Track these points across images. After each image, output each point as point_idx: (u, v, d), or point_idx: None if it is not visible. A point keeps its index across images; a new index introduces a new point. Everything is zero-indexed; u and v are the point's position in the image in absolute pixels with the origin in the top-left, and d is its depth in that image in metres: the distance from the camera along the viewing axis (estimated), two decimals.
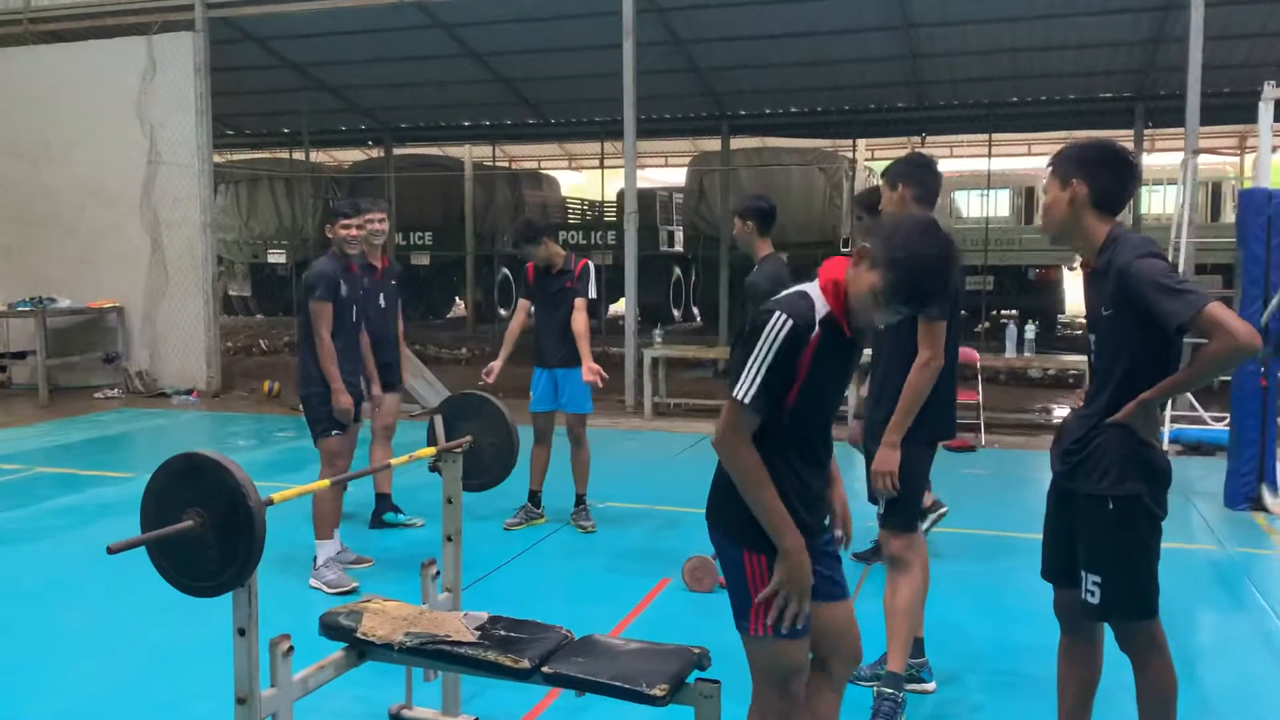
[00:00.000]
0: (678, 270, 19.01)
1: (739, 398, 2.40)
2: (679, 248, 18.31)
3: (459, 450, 3.52)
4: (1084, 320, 3.07)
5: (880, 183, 3.79)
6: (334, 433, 5.19)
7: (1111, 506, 2.73)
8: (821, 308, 2.44)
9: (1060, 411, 10.85)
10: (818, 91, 14.23)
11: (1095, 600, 2.77)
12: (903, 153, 23.61)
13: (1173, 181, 17.57)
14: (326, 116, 16.83)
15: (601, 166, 18.29)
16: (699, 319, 19.72)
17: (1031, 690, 3.93)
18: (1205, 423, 8.67)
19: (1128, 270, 2.63)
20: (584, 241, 17.81)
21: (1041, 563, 3.05)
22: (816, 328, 2.41)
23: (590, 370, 5.94)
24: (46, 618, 4.76)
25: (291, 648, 2.76)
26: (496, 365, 6.05)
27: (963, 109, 14.55)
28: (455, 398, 3.72)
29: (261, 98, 15.86)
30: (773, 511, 2.43)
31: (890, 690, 3.54)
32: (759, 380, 2.39)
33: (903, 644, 3.60)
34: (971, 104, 14.25)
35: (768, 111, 15.40)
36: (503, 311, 19.52)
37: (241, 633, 2.63)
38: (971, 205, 18.96)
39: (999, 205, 16.81)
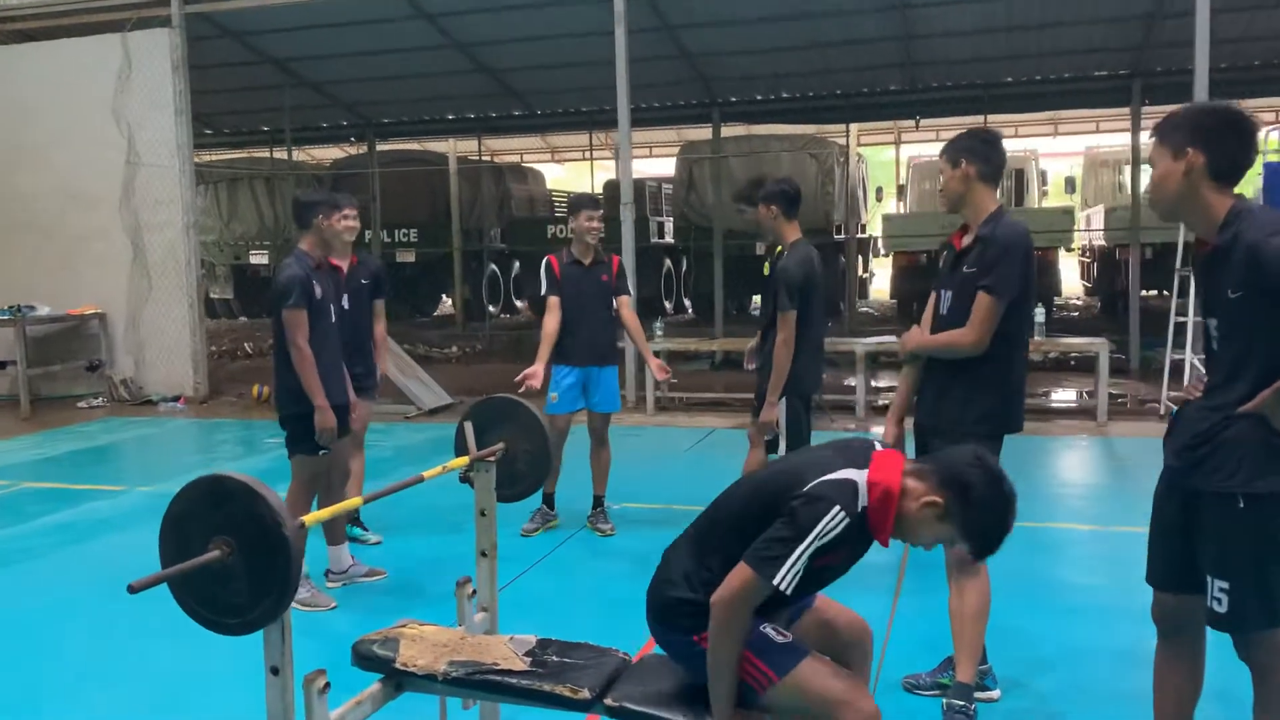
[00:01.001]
0: (668, 262, 18.76)
1: (774, 581, 2.36)
2: (669, 239, 18.06)
3: (492, 459, 3.26)
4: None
5: (940, 159, 3.55)
6: (321, 452, 4.82)
7: (1243, 505, 2.47)
8: (863, 500, 2.42)
9: (1064, 395, 10.71)
10: (810, 76, 13.99)
11: (1222, 608, 2.53)
12: (889, 137, 23.59)
13: None
14: (308, 113, 16.47)
15: (591, 158, 18.02)
16: (690, 310, 19.48)
17: (1107, 699, 3.72)
18: None
19: (1264, 248, 2.37)
20: (571, 234, 17.51)
21: (1148, 567, 2.80)
22: (859, 516, 2.41)
23: (661, 368, 5.90)
24: (44, 645, 4.49)
25: (328, 684, 2.50)
26: (539, 369, 5.62)
27: (956, 90, 14.34)
28: (484, 402, 3.46)
29: (240, 95, 15.49)
30: (728, 686, 2.43)
31: (961, 702, 3.32)
32: (798, 568, 2.37)
33: (973, 652, 3.38)
34: (965, 85, 14.04)
35: (759, 98, 15.15)
36: (492, 309, 19.24)
37: (275, 671, 2.37)
38: None
39: None
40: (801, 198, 5.08)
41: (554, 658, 2.74)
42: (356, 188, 16.73)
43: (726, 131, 16.29)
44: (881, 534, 2.46)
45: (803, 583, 2.41)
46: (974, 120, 15.52)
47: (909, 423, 3.75)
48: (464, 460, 3.17)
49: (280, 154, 17.57)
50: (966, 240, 3.48)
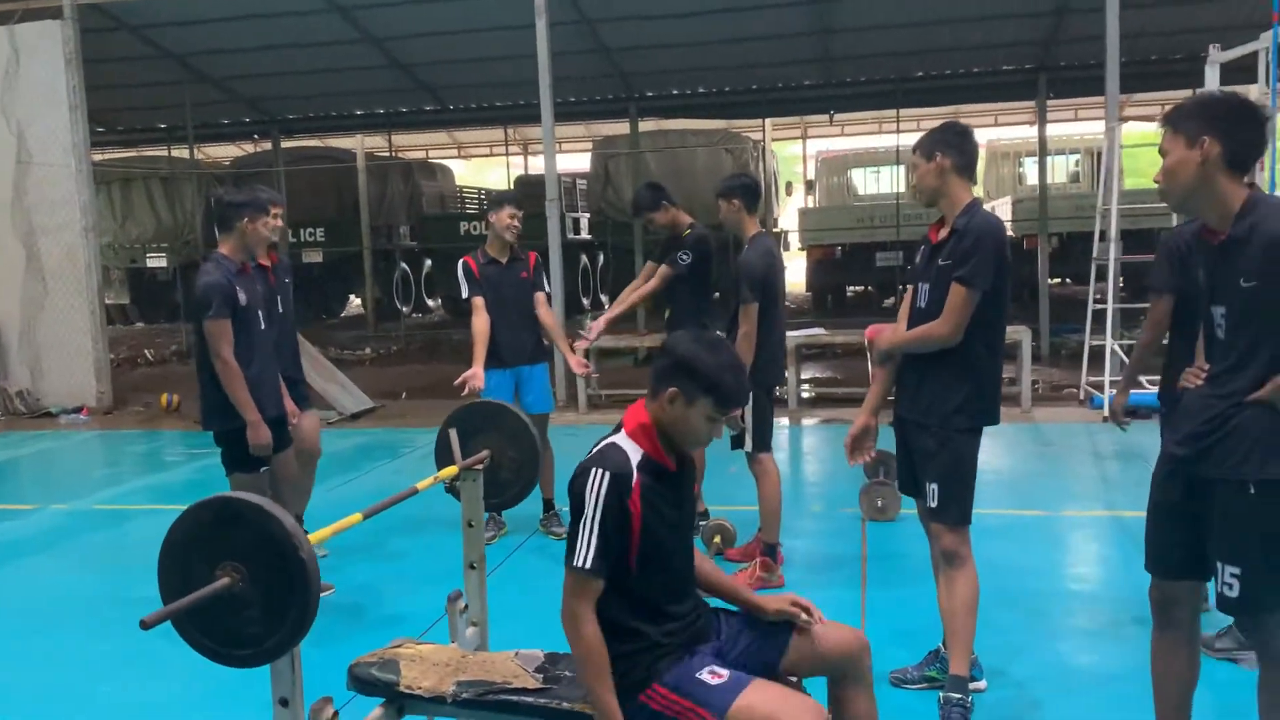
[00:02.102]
0: (584, 258, 18.62)
1: (577, 565, 2.38)
2: (585, 234, 17.93)
3: (479, 468, 3.13)
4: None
5: (914, 154, 3.53)
6: (262, 469, 4.56)
7: (1254, 492, 2.49)
8: (635, 453, 2.48)
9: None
10: (727, 70, 14.02)
11: (1234, 594, 2.55)
12: (795, 132, 23.87)
13: (1074, 151, 18.14)
14: (208, 109, 15.84)
15: (507, 154, 17.79)
16: (608, 307, 19.37)
17: (1084, 680, 3.78)
18: (1144, 387, 8.79)
19: None
20: (485, 231, 17.27)
21: (1147, 554, 2.81)
22: (635, 474, 2.44)
23: (579, 363, 5.73)
24: None
25: (336, 713, 2.35)
26: (479, 370, 5.49)
27: (869, 85, 14.55)
28: (466, 408, 3.32)
29: (137, 91, 14.82)
30: (606, 706, 2.37)
31: (958, 695, 3.31)
32: (594, 543, 2.38)
33: (965, 644, 3.37)
34: (879, 80, 14.25)
35: (675, 92, 15.14)
36: (404, 309, 18.83)
37: (285, 703, 2.22)
38: (868, 183, 19.22)
39: (900, 181, 17.05)
40: (760, 191, 5.11)
41: (565, 672, 2.63)
42: (262, 185, 16.16)
43: (642, 126, 16.25)
44: (664, 459, 2.51)
45: (655, 555, 2.46)
46: (887, 114, 15.81)
47: (886, 416, 3.74)
48: (453, 470, 3.03)
49: (178, 152, 16.87)
50: (943, 233, 3.47)
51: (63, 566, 5.76)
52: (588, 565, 2.38)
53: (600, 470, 2.42)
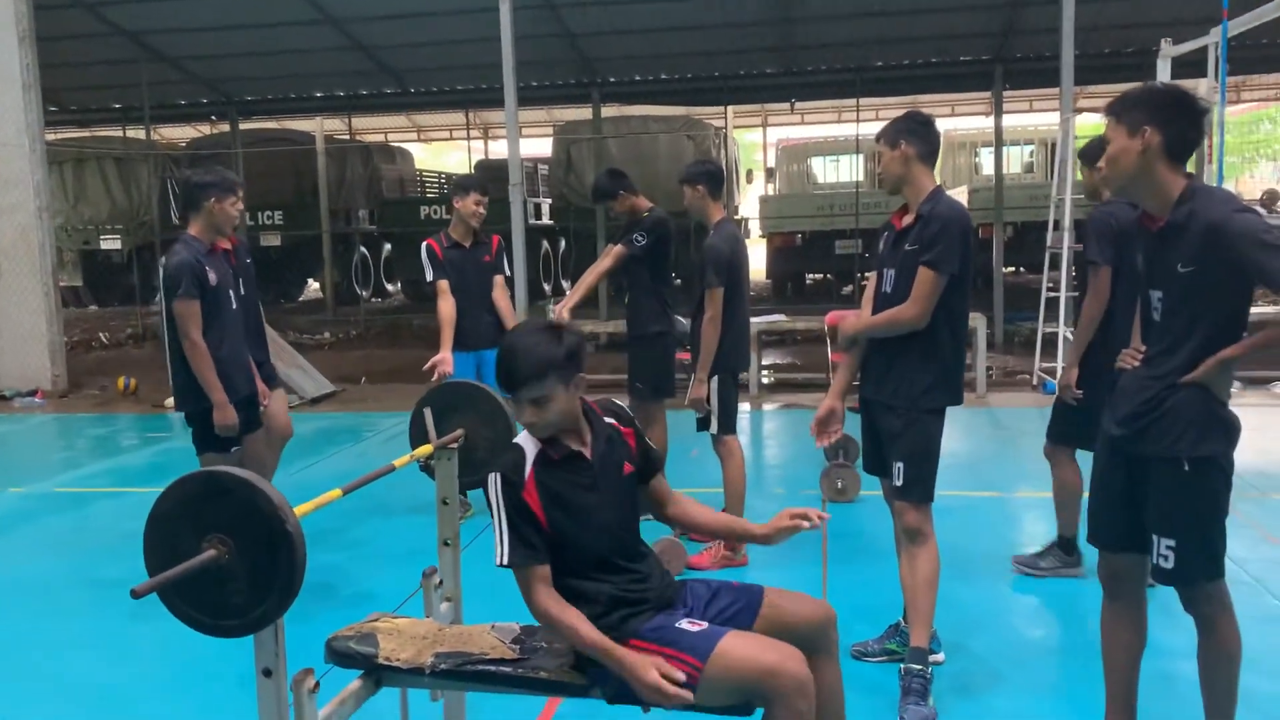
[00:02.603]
0: (545, 243, 18.62)
1: (500, 563, 2.53)
2: (546, 220, 17.92)
3: (454, 447, 3.18)
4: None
5: (878, 143, 3.63)
6: (232, 449, 4.59)
7: (1188, 468, 2.64)
8: (532, 448, 2.60)
9: None
10: (690, 57, 14.08)
11: (1170, 564, 2.69)
12: (755, 120, 23.97)
13: (1029, 142, 18.41)
14: (164, 89, 15.59)
15: (469, 137, 17.71)
16: (568, 293, 19.38)
17: (1039, 654, 3.92)
18: None
19: (1225, 226, 2.50)
20: (447, 216, 17.20)
21: (1089, 527, 2.96)
22: (529, 467, 2.56)
23: None
24: None
25: (317, 684, 2.40)
26: (447, 354, 5.56)
27: (829, 74, 14.67)
28: (441, 387, 3.38)
29: (91, 70, 14.57)
30: (597, 645, 2.46)
31: (918, 666, 3.42)
32: (506, 539, 2.53)
33: (925, 618, 3.49)
34: (839, 69, 14.38)
35: (637, 78, 15.17)
36: (363, 293, 18.72)
37: (268, 673, 2.26)
38: (827, 172, 19.39)
39: (859, 170, 17.24)
40: (724, 177, 5.20)
41: (541, 644, 2.70)
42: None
43: (604, 112, 16.26)
44: (554, 448, 2.60)
45: (572, 536, 2.55)
46: (847, 103, 15.94)
47: (852, 400, 3.84)
48: (429, 449, 3.08)
49: (134, 133, 16.60)
50: (907, 220, 3.57)
51: (23, 548, 5.72)
52: (508, 559, 2.52)
53: (493, 474, 2.57)
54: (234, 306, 4.72)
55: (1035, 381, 9.56)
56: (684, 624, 2.52)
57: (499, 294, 5.89)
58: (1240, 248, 2.48)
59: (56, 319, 11.12)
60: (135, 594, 1.90)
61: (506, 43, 10.02)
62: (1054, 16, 9.82)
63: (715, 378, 4.86)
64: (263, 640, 2.26)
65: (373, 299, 19.52)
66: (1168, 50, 7.83)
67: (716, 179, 5.01)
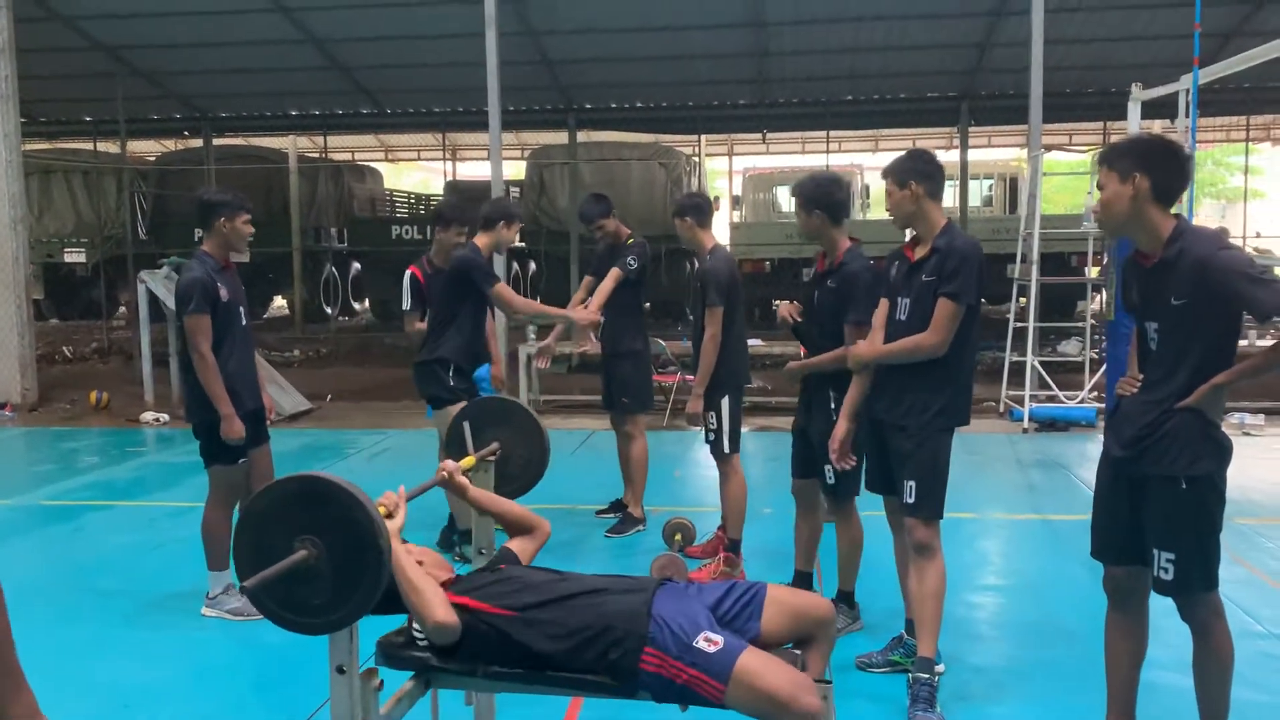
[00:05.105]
0: (515, 265, 18.74)
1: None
2: (518, 242, 18.03)
3: (492, 459, 3.32)
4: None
5: (887, 180, 3.83)
6: (239, 461, 4.69)
7: (1185, 487, 2.86)
8: None
9: None
10: (665, 87, 14.37)
11: (1169, 577, 2.90)
12: (722, 149, 24.30)
13: (989, 176, 18.91)
14: (137, 104, 15.55)
15: (443, 159, 17.79)
16: None
17: (1034, 666, 4.10)
18: (1061, 401, 9.35)
19: (1211, 262, 2.74)
20: (420, 236, 17.27)
21: (1092, 542, 3.17)
22: None
23: (496, 377, 6.11)
24: None
25: (381, 683, 2.52)
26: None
27: (800, 107, 15.03)
28: (478, 402, 3.51)
29: (64, 83, 14.48)
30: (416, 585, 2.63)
31: (925, 675, 3.59)
32: None
33: (933, 629, 3.66)
34: (810, 102, 14.74)
35: (613, 105, 15.42)
36: (330, 311, 18.70)
37: (341, 670, 2.38)
38: (792, 201, 19.72)
39: None
40: (711, 208, 5.47)
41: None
42: (190, 183, 15.92)
43: (578, 138, 16.49)
44: None
45: None
46: (814, 135, 16.29)
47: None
48: (471, 461, 3.21)
49: (105, 146, 16.50)
50: (921, 251, 3.77)
51: (19, 558, 5.72)
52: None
53: None
54: (244, 322, 4.85)
55: (1002, 409, 9.84)
56: (702, 643, 2.57)
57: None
58: (1227, 281, 2.73)
59: (29, 332, 11.04)
60: (245, 589, 2.02)
61: (492, 69, 10.17)
62: (1021, 57, 10.21)
63: (727, 397, 5.05)
64: (338, 639, 2.38)
65: (340, 317, 19.49)
66: (1139, 94, 8.19)
67: (701, 210, 5.27)
